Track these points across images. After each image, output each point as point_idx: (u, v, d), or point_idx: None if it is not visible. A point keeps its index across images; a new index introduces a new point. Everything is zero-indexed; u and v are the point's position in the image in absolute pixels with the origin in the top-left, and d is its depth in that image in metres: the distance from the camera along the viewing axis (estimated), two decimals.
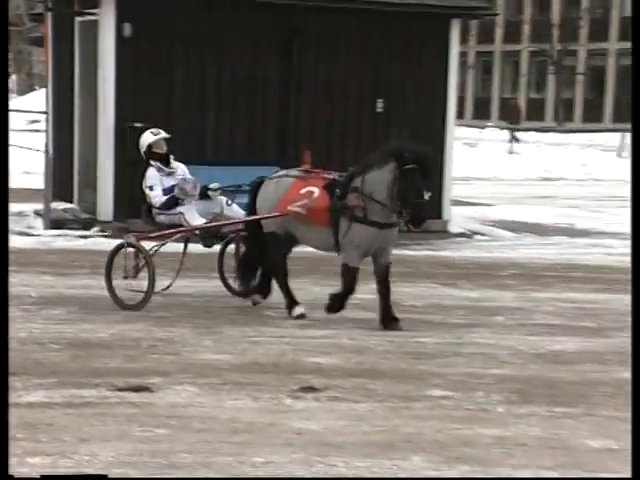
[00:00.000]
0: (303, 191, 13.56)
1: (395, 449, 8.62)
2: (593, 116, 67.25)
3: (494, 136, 50.88)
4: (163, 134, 14.53)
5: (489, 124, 59.36)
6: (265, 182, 14.27)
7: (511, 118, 51.27)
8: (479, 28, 64.05)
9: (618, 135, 48.57)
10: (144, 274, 14.09)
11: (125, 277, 13.97)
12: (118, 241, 14.52)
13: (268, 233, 13.92)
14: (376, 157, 13.33)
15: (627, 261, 19.36)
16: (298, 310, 13.65)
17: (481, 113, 64.65)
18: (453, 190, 22.81)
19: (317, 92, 21.02)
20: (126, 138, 19.94)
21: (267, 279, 14.31)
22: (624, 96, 67.42)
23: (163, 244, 14.46)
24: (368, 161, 13.47)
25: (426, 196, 12.81)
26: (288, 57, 20.62)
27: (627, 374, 10.47)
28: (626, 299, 15.48)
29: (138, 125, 19.57)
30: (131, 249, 14.03)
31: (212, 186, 14.87)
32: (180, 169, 14.77)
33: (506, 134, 50.78)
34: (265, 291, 14.38)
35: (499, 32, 69.49)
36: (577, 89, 69.61)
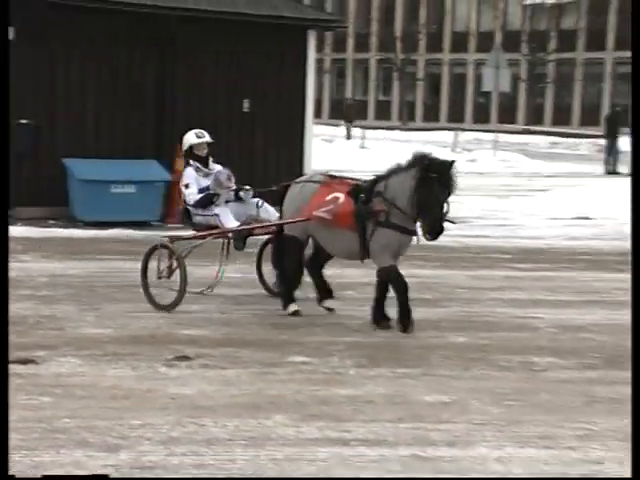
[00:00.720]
0: (329, 197, 12.16)
1: (260, 409, 8.61)
2: (431, 116, 67.87)
3: (343, 133, 50.91)
4: (206, 138, 13.32)
5: (342, 123, 59.40)
6: (291, 186, 13.02)
7: (347, 117, 51.27)
8: (333, 38, 64.35)
9: (452, 133, 48.94)
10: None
11: (159, 278, 12.72)
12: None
13: (289, 237, 12.59)
14: (401, 163, 12.03)
15: (463, 241, 19.61)
16: (292, 307, 12.41)
17: (336, 113, 64.67)
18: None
19: (190, 93, 20.93)
20: (15, 134, 19.45)
21: (321, 281, 12.85)
22: (457, 99, 68.22)
23: (196, 246, 13.04)
24: (394, 167, 12.18)
25: (445, 208, 11.60)
26: (163, 61, 20.53)
27: (461, 339, 11.28)
28: (458, 274, 15.73)
29: (24, 122, 19.44)
30: (164, 250, 12.90)
31: (244, 188, 13.49)
32: (217, 168, 13.40)
33: (354, 131, 51.09)
34: (325, 293, 12.76)
35: (351, 42, 69.93)
36: (418, 93, 70.19)
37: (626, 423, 8.29)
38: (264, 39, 21.33)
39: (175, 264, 12.71)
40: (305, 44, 21.89)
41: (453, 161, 11.72)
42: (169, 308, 12.50)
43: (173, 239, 13.04)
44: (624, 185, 28.97)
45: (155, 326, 11.82)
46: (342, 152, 39.72)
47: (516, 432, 8.34)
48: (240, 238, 12.96)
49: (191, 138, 13.26)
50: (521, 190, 29.00)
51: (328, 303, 12.68)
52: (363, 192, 12.01)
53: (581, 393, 9.60)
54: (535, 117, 66.03)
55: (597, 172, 36.09)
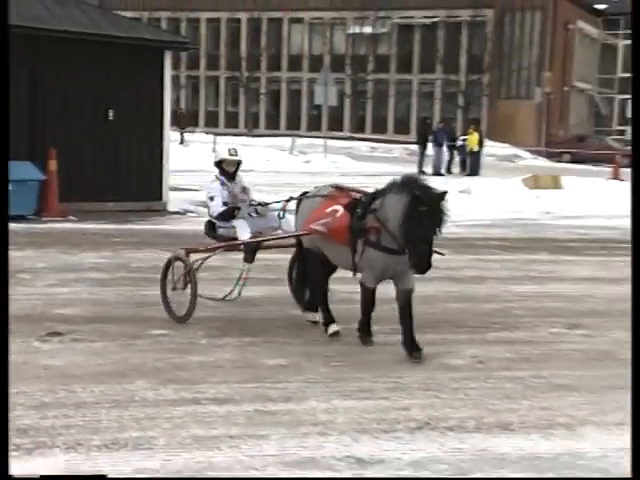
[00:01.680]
0: (329, 210, 10.56)
1: (123, 376, 8.47)
2: (272, 125, 67.96)
3: (202, 138, 50.56)
4: (237, 157, 11.61)
5: (197, 130, 59.25)
6: (303, 199, 11.50)
7: (180, 123, 50.86)
8: (188, 58, 64.06)
9: (289, 139, 49.07)
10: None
11: (173, 289, 11.14)
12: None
13: (305, 249, 11.21)
14: (398, 183, 9.97)
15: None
16: (332, 328, 10.47)
17: (191, 122, 64.50)
18: (171, 179, 22.56)
19: (61, 103, 20.47)
20: None
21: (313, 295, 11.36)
22: (294, 111, 68.35)
23: (207, 257, 11.37)
24: (391, 183, 10.09)
25: (434, 243, 9.58)
26: (34, 76, 20.07)
27: (294, 312, 11.16)
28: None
29: None
30: (179, 262, 11.32)
31: (262, 203, 12.00)
32: (241, 184, 11.74)
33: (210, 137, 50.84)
34: (313, 307, 11.21)
35: (203, 62, 69.52)
36: (260, 105, 70.10)
37: (427, 375, 8.40)
38: (127, 57, 21.09)
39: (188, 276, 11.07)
40: (162, 62, 21.64)
41: (445, 192, 9.62)
42: (182, 320, 10.82)
43: (189, 251, 11.39)
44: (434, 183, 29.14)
45: (30, 306, 11.44)
46: (196, 155, 39.31)
47: (341, 387, 8.39)
48: (249, 250, 11.43)
49: (224, 153, 11.70)
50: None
51: (312, 316, 11.06)
52: (360, 207, 10.15)
53: (392, 353, 9.66)
54: (358, 126, 66.55)
55: (410, 172, 36.24)
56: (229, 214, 11.43)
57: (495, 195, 27.53)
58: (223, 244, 11.45)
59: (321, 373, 8.84)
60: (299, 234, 11.19)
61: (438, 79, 65.85)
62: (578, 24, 71.05)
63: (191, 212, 21.99)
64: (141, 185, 21.32)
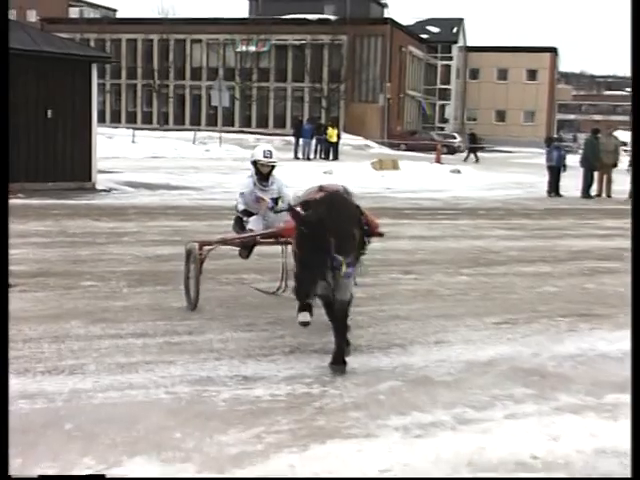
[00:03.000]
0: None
1: (61, 318, 8.30)
2: (179, 121, 67.26)
3: (123, 132, 49.74)
4: (272, 160, 9.27)
5: (120, 126, 58.34)
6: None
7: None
8: (112, 69, 62.91)
9: (192, 132, 48.74)
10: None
11: (187, 278, 9.14)
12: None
13: None
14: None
15: (200, 202, 19.35)
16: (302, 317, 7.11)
17: (115, 119, 63.68)
18: (99, 164, 22.16)
19: (12, 104, 19.49)
20: None
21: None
22: (196, 110, 67.64)
23: (211, 249, 9.18)
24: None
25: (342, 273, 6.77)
26: None
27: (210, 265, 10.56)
28: (198, 224, 15.46)
29: None
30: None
31: (278, 207, 9.30)
32: (276, 184, 9.37)
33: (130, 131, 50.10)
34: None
35: (124, 72, 68.36)
36: (169, 106, 69.28)
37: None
38: (61, 68, 20.74)
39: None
40: (90, 72, 21.29)
41: (323, 214, 6.71)
42: (189, 307, 8.91)
43: (202, 244, 9.22)
44: (302, 166, 29.20)
45: None
46: (119, 145, 38.80)
47: (232, 322, 8.31)
48: (246, 247, 9.49)
49: (258, 154, 9.24)
50: (237, 169, 28.86)
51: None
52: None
53: (273, 297, 9.57)
54: (245, 122, 66.39)
55: (287, 157, 36.22)
56: (248, 212, 9.38)
57: (350, 174, 27.71)
58: (230, 237, 9.46)
59: (217, 312, 8.78)
60: (273, 232, 9.04)
61: (306, 87, 66.19)
62: (409, 48, 72.58)
63: (115, 190, 21.68)
64: (74, 168, 20.96)
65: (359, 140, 57.45)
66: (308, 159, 38.42)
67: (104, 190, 21.47)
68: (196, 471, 5.01)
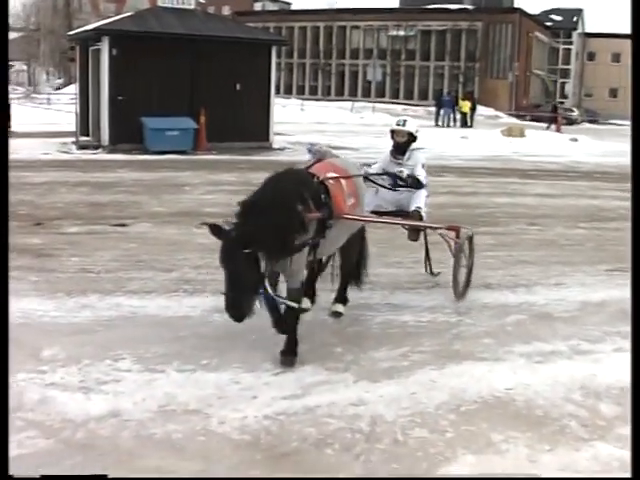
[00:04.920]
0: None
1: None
2: (339, 93, 66.77)
3: (294, 102, 49.97)
4: (404, 127, 7.23)
5: (291, 97, 58.69)
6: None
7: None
8: (286, 51, 63.12)
9: (350, 103, 48.58)
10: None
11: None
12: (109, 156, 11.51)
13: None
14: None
15: (359, 160, 19.29)
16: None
17: (287, 91, 64.07)
18: (275, 127, 22.36)
19: (209, 79, 20.26)
20: (115, 105, 19.43)
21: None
22: (353, 84, 67.34)
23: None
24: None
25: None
26: (194, 62, 20.11)
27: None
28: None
29: (120, 98, 19.31)
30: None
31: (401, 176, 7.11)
32: (413, 160, 7.23)
33: (299, 101, 50.23)
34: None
35: (295, 53, 68.56)
36: (332, 81, 69.46)
37: (440, 254, 8.24)
38: (248, 50, 20.91)
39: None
40: (270, 52, 21.44)
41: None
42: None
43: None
44: (443, 131, 28.79)
45: (189, 207, 11.42)
46: (291, 113, 39.08)
47: (384, 260, 8.17)
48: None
49: (393, 123, 7.47)
50: (386, 133, 28.63)
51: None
52: None
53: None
54: (394, 95, 65.70)
55: (429, 125, 35.62)
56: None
57: (483, 140, 27.19)
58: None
59: (371, 251, 8.60)
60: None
61: (446, 65, 64.99)
62: (535, 33, 70.41)
63: (288, 148, 21.87)
64: (256, 131, 21.26)
65: (490, 111, 56.03)
66: (447, 126, 37.84)
67: (279, 149, 21.61)
68: (354, 381, 5.05)
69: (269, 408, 4.55)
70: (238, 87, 20.73)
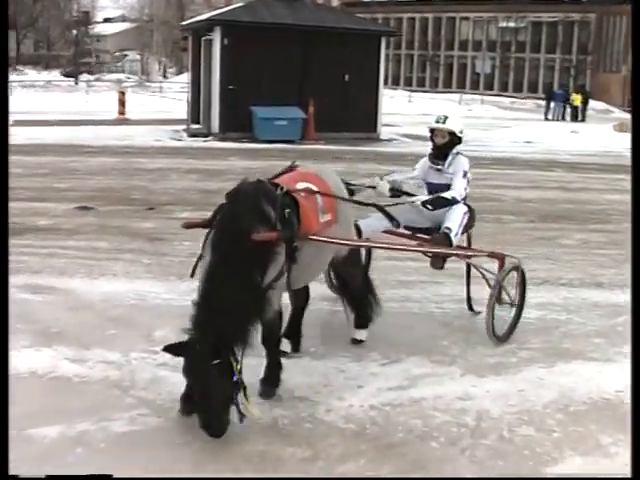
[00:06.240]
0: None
1: None
2: (447, 85, 66.34)
3: (400, 93, 49.78)
4: (443, 125, 5.79)
5: (398, 88, 58.49)
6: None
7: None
8: (393, 42, 62.85)
9: (458, 95, 48.11)
10: None
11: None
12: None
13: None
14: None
15: (465, 154, 19.05)
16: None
17: (395, 82, 63.75)
18: (383, 119, 22.31)
19: (318, 70, 20.40)
20: (225, 94, 19.80)
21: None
22: (461, 76, 66.48)
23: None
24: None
25: None
26: (303, 52, 20.32)
27: None
28: None
29: (231, 87, 19.67)
30: None
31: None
32: (454, 167, 5.80)
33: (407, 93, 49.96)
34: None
35: (403, 44, 68.19)
36: (440, 73, 68.75)
37: (549, 250, 8.02)
38: (357, 41, 20.91)
39: None
40: (379, 44, 21.43)
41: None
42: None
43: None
44: (552, 125, 28.18)
45: None
46: (397, 104, 38.89)
47: None
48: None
49: (432, 120, 5.93)
50: (495, 126, 28.25)
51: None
52: None
53: (526, 234, 9.32)
54: (503, 87, 64.55)
55: (538, 118, 35.00)
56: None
57: (594, 135, 26.39)
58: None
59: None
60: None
61: (557, 58, 63.31)
62: None
63: (395, 140, 21.78)
64: (363, 121, 21.27)
65: (602, 105, 54.37)
66: (557, 120, 36.91)
67: (387, 140, 21.57)
68: (460, 374, 4.99)
69: (375, 398, 4.56)
70: (347, 78, 20.80)
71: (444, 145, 5.83)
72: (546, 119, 36.97)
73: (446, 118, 5.85)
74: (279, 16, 20.30)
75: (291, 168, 5.02)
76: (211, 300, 3.92)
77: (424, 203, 5.59)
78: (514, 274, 5.66)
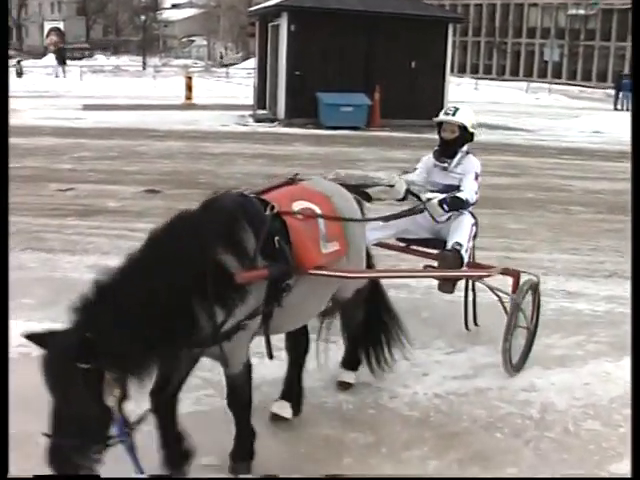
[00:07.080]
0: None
1: None
2: (514, 73, 65.43)
3: (466, 81, 49.13)
4: (452, 118, 5.01)
5: (464, 75, 57.81)
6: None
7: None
8: (460, 28, 61.92)
9: (525, 83, 47.29)
10: None
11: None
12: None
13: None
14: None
15: (532, 142, 18.68)
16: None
17: (461, 70, 63.03)
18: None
19: (384, 56, 20.31)
20: (291, 79, 19.84)
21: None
22: (529, 64, 65.39)
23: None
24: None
25: None
26: (369, 39, 20.20)
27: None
28: (533, 160, 14.89)
29: (297, 73, 19.70)
30: None
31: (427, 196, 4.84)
32: (462, 168, 5.04)
33: (473, 80, 49.30)
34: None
35: (470, 31, 67.45)
36: (507, 60, 67.84)
37: (615, 243, 7.92)
38: (424, 28, 20.73)
39: None
40: (447, 31, 21.22)
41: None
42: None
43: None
44: (622, 115, 27.55)
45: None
46: (463, 91, 38.29)
47: (559, 246, 7.96)
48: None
49: (441, 113, 5.14)
50: (563, 116, 27.68)
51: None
52: None
53: (594, 226, 9.17)
54: (571, 76, 63.32)
55: (607, 108, 34.23)
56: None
57: None
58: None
59: (546, 236, 8.47)
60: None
61: (628, 46, 61.83)
62: None
63: None
64: (429, 109, 20.70)
65: None
66: (627, 110, 36.06)
67: None
68: (526, 366, 4.92)
69: (439, 387, 4.55)
70: (413, 65, 20.66)
71: (453, 141, 5.06)
72: (615, 109, 36.16)
73: (456, 110, 5.06)
74: (346, 2, 20.26)
75: (291, 180, 3.95)
76: (119, 292, 2.84)
77: (440, 202, 4.76)
78: (530, 293, 4.91)
